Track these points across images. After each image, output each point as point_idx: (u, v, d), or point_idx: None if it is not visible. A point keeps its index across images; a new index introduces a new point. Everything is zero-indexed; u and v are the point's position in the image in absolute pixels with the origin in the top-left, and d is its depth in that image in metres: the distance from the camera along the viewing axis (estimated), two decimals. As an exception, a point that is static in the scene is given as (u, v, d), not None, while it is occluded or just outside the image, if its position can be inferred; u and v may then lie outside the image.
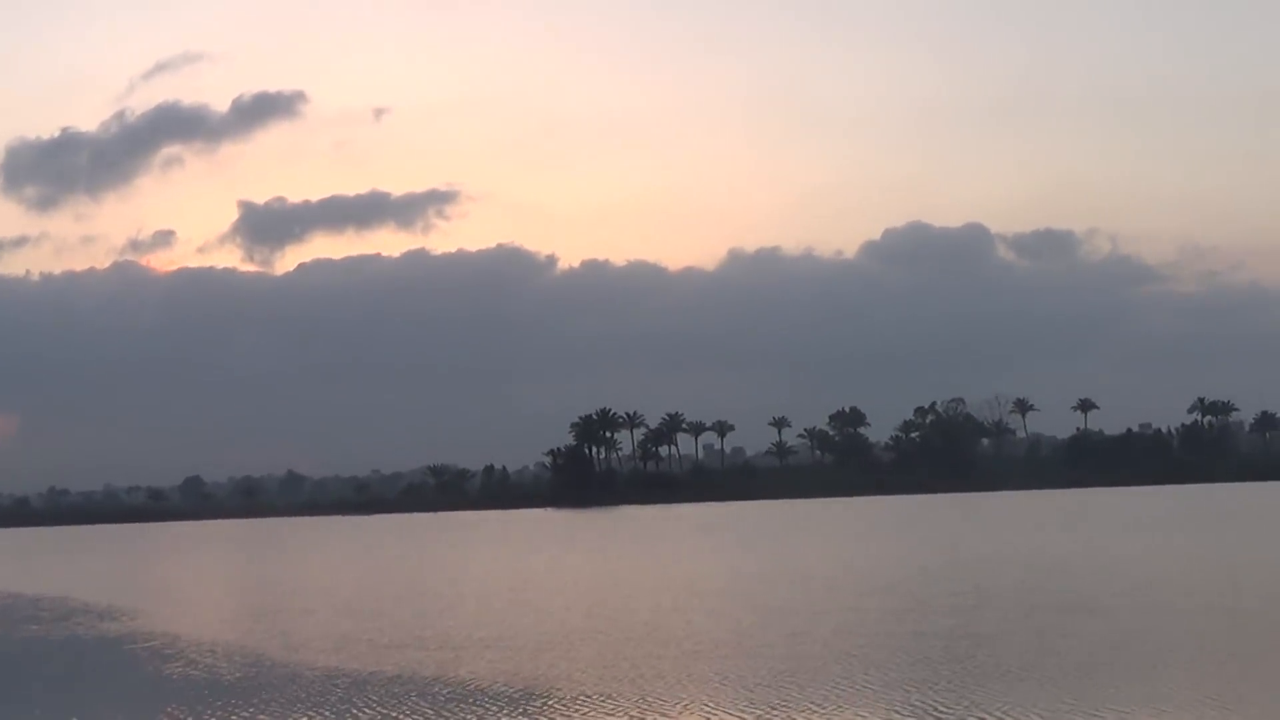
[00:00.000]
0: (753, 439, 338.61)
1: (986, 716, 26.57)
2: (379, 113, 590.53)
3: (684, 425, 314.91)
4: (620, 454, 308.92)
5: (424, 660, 38.10)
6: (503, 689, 32.24)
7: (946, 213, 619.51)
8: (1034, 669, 32.11)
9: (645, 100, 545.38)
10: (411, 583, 71.23)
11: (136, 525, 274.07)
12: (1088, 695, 28.33)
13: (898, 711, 27.41)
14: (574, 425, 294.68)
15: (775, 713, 27.83)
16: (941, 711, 27.18)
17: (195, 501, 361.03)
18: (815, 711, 27.81)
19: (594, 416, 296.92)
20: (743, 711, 28.10)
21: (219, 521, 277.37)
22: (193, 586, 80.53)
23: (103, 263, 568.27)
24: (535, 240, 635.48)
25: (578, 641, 40.86)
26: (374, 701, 31.35)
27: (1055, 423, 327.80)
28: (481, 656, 38.28)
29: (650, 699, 30.02)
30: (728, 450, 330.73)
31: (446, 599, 59.34)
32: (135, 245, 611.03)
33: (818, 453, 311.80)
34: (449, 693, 32.17)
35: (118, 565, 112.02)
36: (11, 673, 42.14)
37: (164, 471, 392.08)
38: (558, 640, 41.31)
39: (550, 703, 30.22)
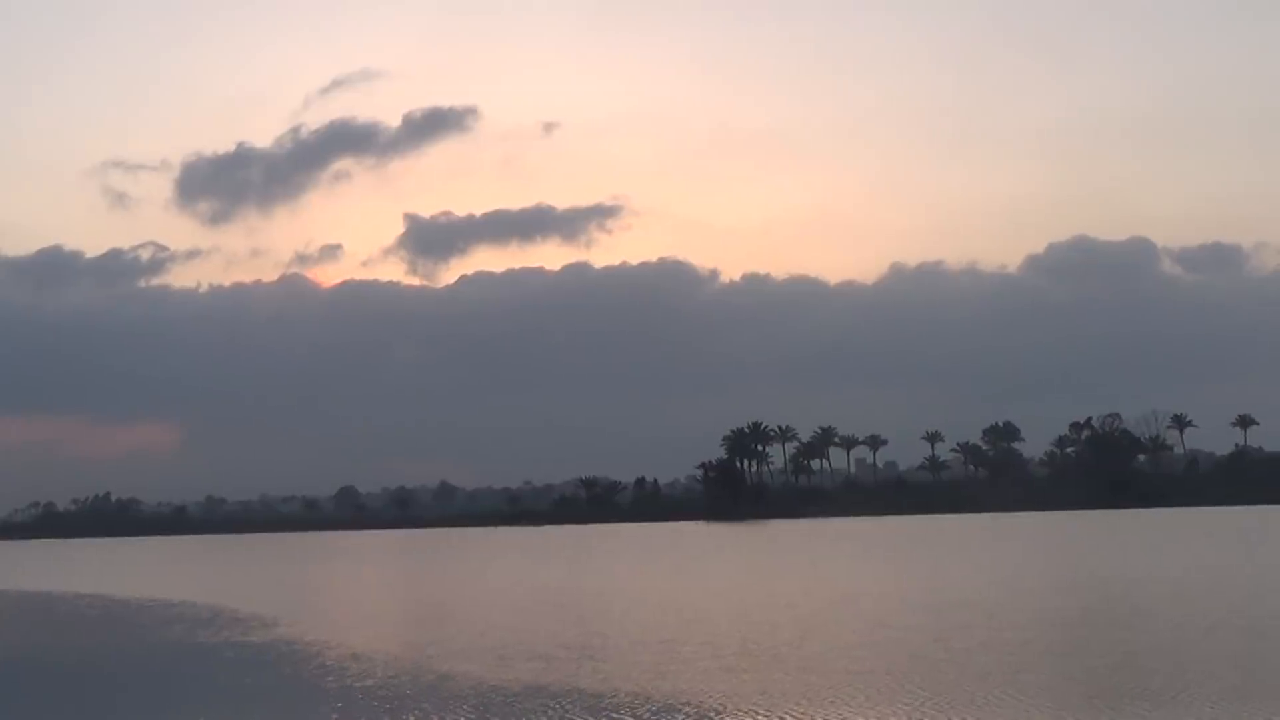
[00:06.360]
0: (905, 453, 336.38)
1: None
2: (548, 128, 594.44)
3: (836, 439, 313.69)
4: (772, 468, 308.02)
5: (566, 670, 37.35)
6: (648, 702, 31.41)
7: (1111, 226, 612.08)
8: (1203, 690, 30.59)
9: (808, 114, 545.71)
10: (560, 594, 70.61)
11: (290, 534, 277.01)
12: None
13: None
14: (725, 438, 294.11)
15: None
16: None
17: (349, 511, 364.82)
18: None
19: (745, 430, 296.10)
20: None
21: (372, 532, 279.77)
22: (340, 595, 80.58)
23: (270, 276, 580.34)
24: (697, 254, 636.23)
25: (726, 657, 39.93)
26: (515, 710, 30.65)
27: (1214, 439, 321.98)
28: (630, 668, 37.48)
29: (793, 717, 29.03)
30: (880, 464, 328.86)
31: (596, 610, 58.61)
32: (302, 259, 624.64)
33: (971, 467, 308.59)
34: (592, 703, 31.40)
35: (268, 573, 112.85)
36: (142, 678, 41.92)
37: (319, 482, 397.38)
38: (708, 655, 40.40)
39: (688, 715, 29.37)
